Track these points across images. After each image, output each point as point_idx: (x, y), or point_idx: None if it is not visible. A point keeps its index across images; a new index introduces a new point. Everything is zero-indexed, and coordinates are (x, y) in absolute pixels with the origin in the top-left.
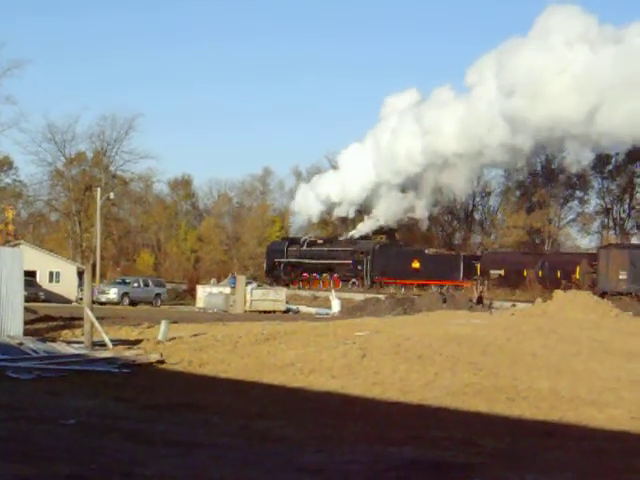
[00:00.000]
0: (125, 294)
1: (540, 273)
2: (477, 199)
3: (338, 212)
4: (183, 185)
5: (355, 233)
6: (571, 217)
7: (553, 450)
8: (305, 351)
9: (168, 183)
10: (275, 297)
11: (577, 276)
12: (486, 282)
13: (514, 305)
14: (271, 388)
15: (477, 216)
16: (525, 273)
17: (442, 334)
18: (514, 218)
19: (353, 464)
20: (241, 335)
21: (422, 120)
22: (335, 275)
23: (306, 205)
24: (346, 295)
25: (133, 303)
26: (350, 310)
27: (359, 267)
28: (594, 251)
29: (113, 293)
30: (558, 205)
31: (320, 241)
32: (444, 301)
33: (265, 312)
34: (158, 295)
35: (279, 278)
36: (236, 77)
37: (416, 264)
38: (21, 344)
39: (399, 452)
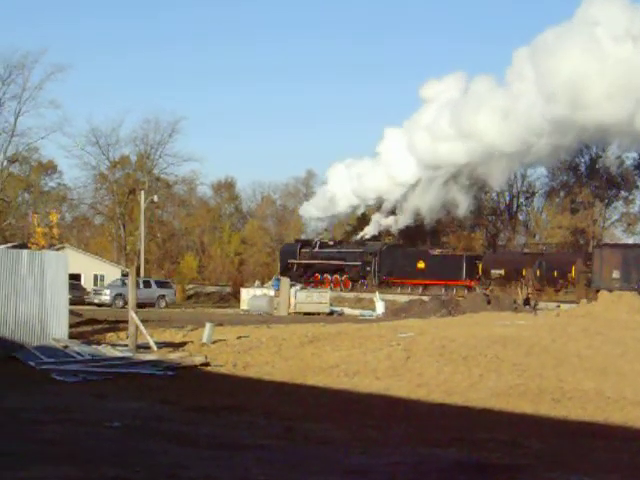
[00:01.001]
0: (118, 295)
1: (538, 272)
2: (521, 200)
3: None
4: (226, 188)
5: (366, 233)
6: (616, 217)
7: (599, 451)
8: (349, 353)
9: (211, 186)
10: (319, 299)
11: (573, 275)
12: (489, 281)
13: (559, 306)
14: (315, 390)
15: (521, 217)
16: (524, 272)
17: (487, 335)
18: (558, 219)
19: (398, 466)
20: (285, 337)
21: (460, 116)
22: (345, 276)
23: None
24: (390, 297)
25: None
26: (394, 312)
27: (367, 268)
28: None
29: (105, 294)
30: (603, 205)
31: (331, 243)
32: (488, 302)
33: (309, 314)
34: (162, 297)
35: (292, 279)
36: (279, 78)
37: (421, 264)
38: (66, 347)
39: (444, 454)
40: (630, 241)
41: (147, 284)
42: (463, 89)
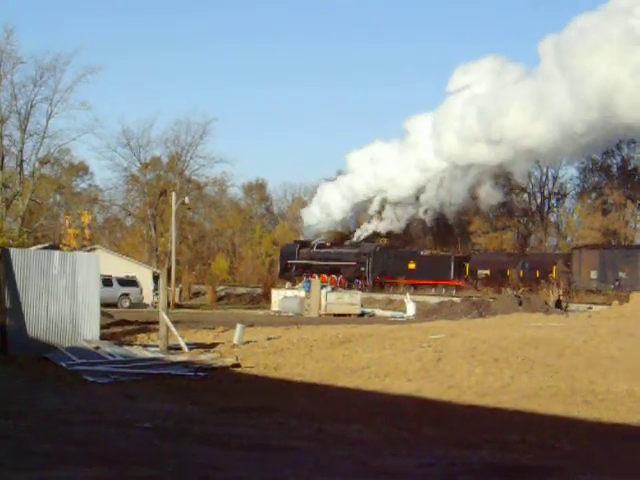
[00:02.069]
0: (124, 295)
1: (521, 273)
2: (553, 201)
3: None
4: (257, 189)
5: (361, 234)
6: None
7: (631, 453)
8: (380, 354)
9: (242, 187)
10: (350, 300)
11: (554, 275)
12: (476, 281)
13: (590, 307)
14: (346, 391)
15: (553, 218)
16: (508, 272)
17: (518, 337)
18: (590, 220)
19: (429, 467)
20: (316, 338)
21: (489, 122)
22: (341, 276)
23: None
24: (420, 298)
25: None
26: (425, 313)
27: (362, 268)
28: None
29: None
30: (635, 206)
31: (328, 244)
32: (520, 304)
33: (340, 315)
34: (125, 295)
35: (291, 279)
36: (309, 79)
37: (412, 265)
38: (98, 348)
39: (475, 455)
40: None
41: (107, 282)
42: (493, 77)
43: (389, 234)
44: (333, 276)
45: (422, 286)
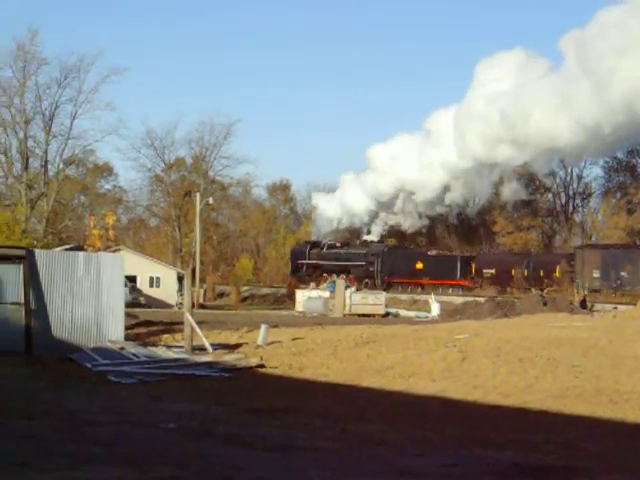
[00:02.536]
0: None
1: (525, 272)
2: (577, 201)
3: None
4: (281, 190)
5: (369, 237)
6: None
7: None
8: (405, 354)
9: (267, 188)
10: (374, 301)
11: (557, 274)
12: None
13: (616, 307)
14: (371, 391)
15: (577, 218)
16: (513, 272)
17: (543, 337)
18: (615, 220)
19: (453, 467)
20: (340, 339)
21: (514, 124)
22: (351, 276)
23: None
24: (445, 298)
25: None
26: (450, 313)
27: (371, 268)
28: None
29: None
30: None
31: (338, 244)
32: (545, 304)
33: (364, 316)
34: None
35: (302, 278)
36: (334, 79)
37: (419, 265)
38: (122, 349)
39: (500, 455)
40: None
41: None
42: (518, 72)
43: (414, 232)
44: (351, 276)
45: (430, 286)
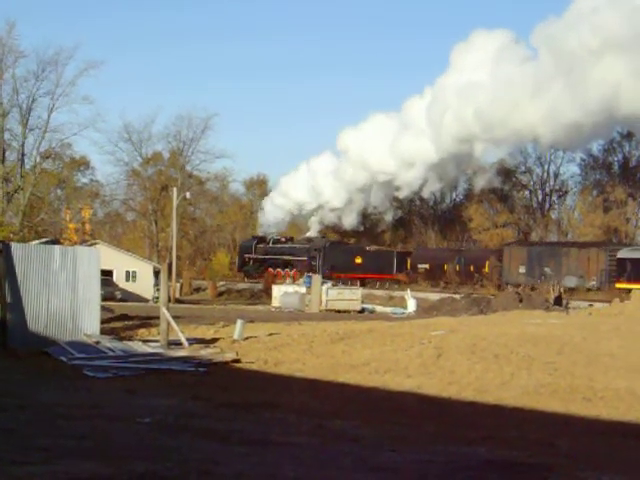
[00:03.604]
0: None
1: (457, 267)
2: (554, 198)
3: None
4: (258, 185)
5: (311, 233)
6: None
7: (630, 450)
8: (380, 350)
9: (244, 183)
10: (350, 297)
11: (486, 270)
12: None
13: (591, 305)
14: (346, 387)
15: (554, 215)
16: (445, 267)
17: (518, 334)
18: (591, 217)
19: (428, 464)
20: (316, 334)
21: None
22: (294, 270)
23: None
24: (421, 295)
25: None
26: (426, 309)
27: (313, 263)
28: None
29: None
30: (636, 204)
31: (283, 239)
32: (520, 301)
33: (340, 311)
34: None
35: (249, 273)
36: (310, 74)
37: (359, 259)
38: (98, 343)
39: (474, 452)
40: None
41: None
42: (492, 60)
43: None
44: (295, 270)
45: (368, 280)
